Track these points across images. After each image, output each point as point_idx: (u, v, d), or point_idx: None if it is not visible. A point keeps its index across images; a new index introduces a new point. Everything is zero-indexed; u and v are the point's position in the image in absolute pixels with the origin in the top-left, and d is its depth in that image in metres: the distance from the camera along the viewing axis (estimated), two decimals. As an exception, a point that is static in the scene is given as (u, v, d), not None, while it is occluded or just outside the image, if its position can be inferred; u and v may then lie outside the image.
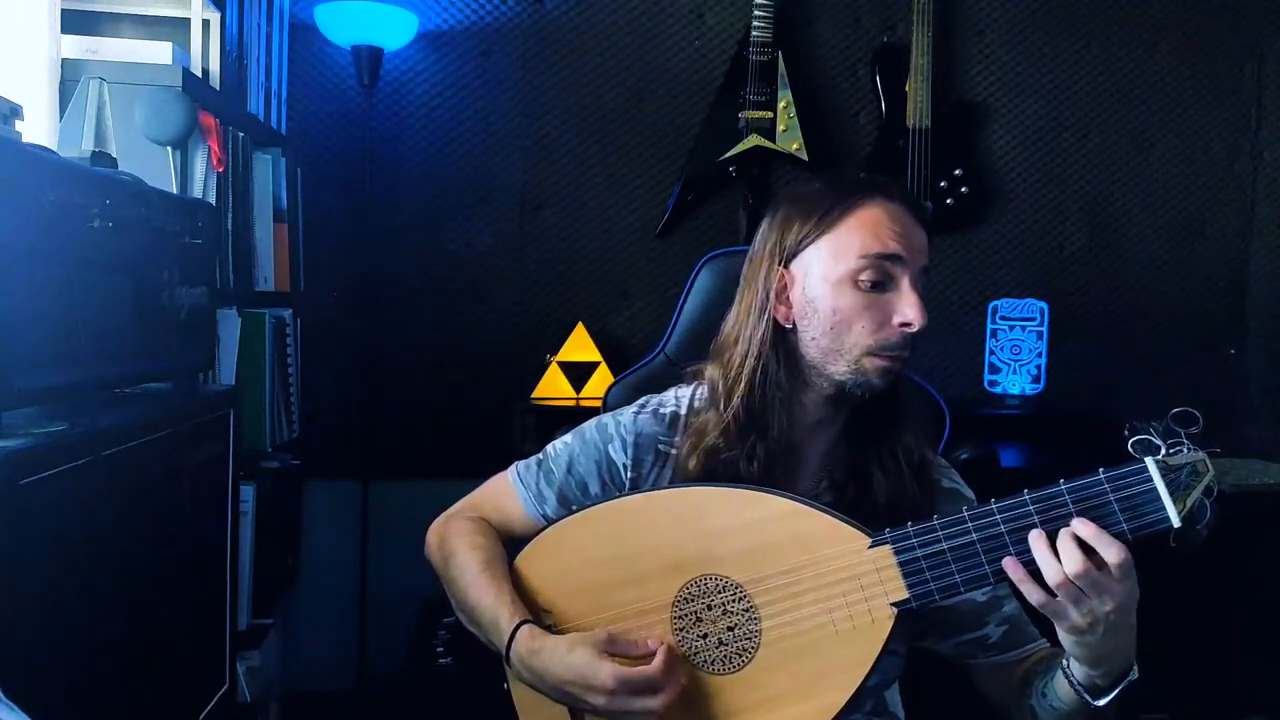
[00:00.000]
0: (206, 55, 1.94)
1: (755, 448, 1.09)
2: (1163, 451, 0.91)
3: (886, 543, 0.98)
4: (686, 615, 1.04)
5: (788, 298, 1.11)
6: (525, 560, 1.15)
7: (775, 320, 1.11)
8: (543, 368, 2.61)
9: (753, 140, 2.68)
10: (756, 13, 2.66)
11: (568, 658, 1.00)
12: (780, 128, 2.70)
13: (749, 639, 1.02)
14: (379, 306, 2.64)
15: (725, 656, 1.03)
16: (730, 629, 1.03)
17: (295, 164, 2.37)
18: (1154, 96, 2.93)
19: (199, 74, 1.88)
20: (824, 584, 0.99)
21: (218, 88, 1.95)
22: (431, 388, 2.70)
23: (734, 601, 1.03)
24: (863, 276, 1.07)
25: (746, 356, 1.12)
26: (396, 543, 2.51)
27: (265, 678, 2.00)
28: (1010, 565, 0.93)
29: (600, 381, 2.57)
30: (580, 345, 2.63)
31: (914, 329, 1.06)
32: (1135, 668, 0.97)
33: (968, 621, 1.13)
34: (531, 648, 1.03)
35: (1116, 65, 2.92)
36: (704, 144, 2.72)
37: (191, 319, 1.35)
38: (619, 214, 2.77)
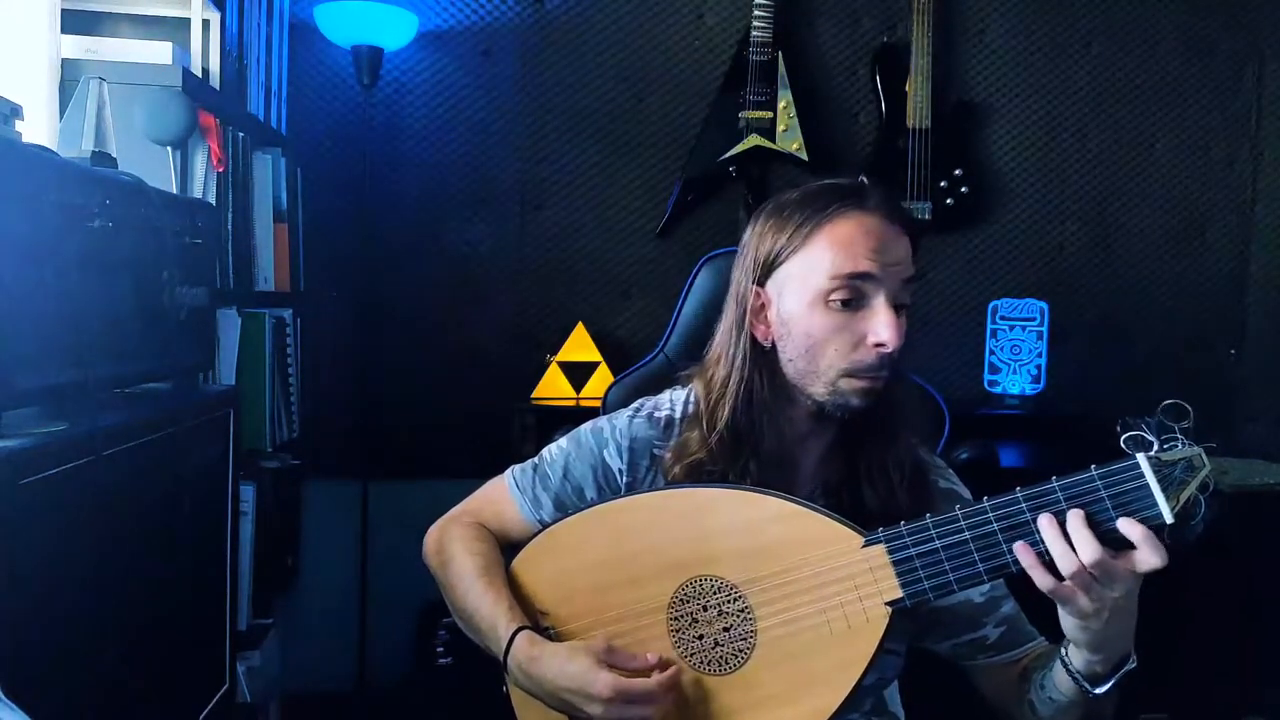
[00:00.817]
0: (206, 55, 1.95)
1: (748, 464, 1.09)
2: (1155, 447, 0.90)
3: (880, 542, 0.98)
4: (682, 616, 1.04)
5: (765, 317, 1.10)
6: (522, 564, 1.15)
7: (755, 340, 1.10)
8: (543, 368, 2.61)
9: (753, 140, 2.69)
10: (756, 13, 2.66)
11: (566, 666, 1.00)
12: (780, 128, 2.70)
13: (744, 639, 1.02)
14: (379, 306, 2.64)
15: (721, 657, 1.03)
16: (726, 630, 1.03)
17: (295, 164, 2.37)
18: (1154, 96, 2.93)
19: (199, 74, 1.88)
20: (819, 584, 0.99)
21: (218, 88, 1.95)
22: (431, 388, 2.70)
23: (729, 602, 1.03)
24: (833, 296, 1.04)
25: (729, 377, 1.11)
26: (396, 543, 2.50)
27: (265, 678, 2.00)
28: (1021, 550, 0.91)
29: (600, 381, 2.57)
30: (580, 345, 2.63)
31: (888, 350, 1.03)
32: (1133, 657, 0.97)
33: (966, 622, 1.13)
34: (530, 654, 1.03)
35: (1117, 65, 2.92)
36: (704, 144, 2.72)
37: (191, 319, 1.35)
38: (619, 214, 2.77)
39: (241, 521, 1.71)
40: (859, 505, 1.07)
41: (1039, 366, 2.76)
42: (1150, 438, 0.91)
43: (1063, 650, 0.99)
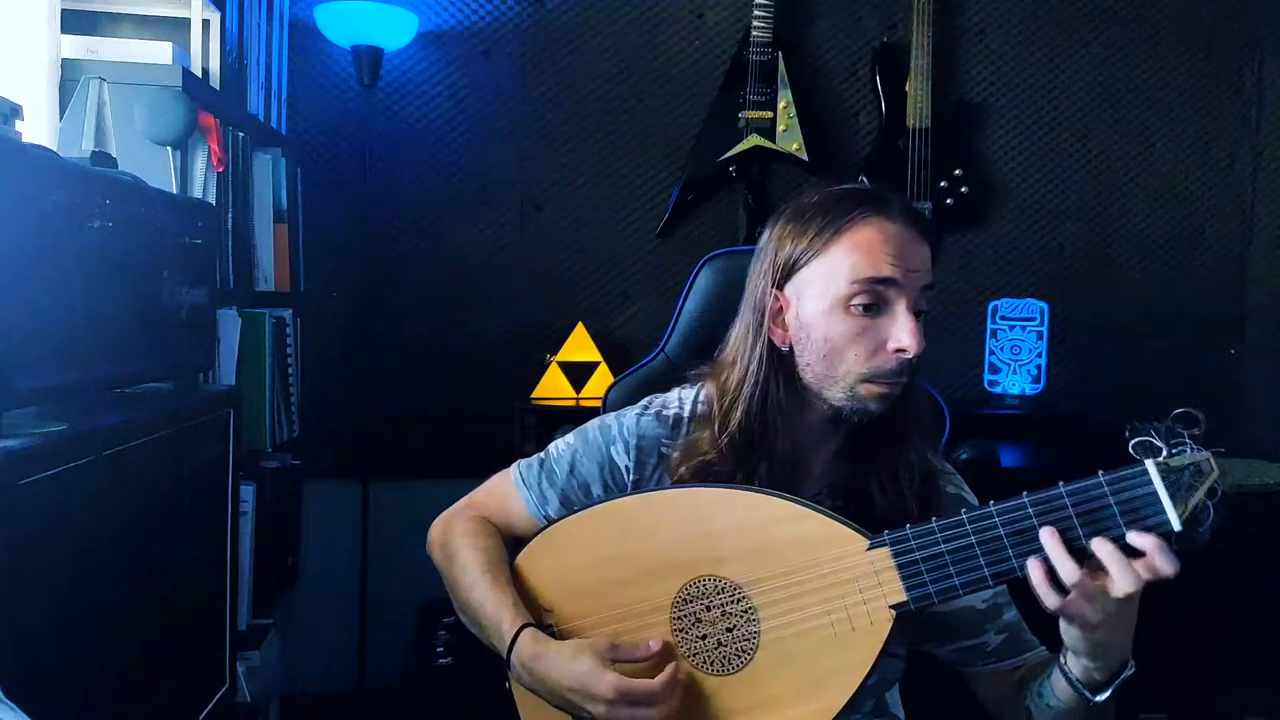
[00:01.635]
0: (206, 55, 1.94)
1: (758, 467, 1.08)
2: (1164, 453, 0.90)
3: (885, 545, 0.98)
4: (686, 616, 1.04)
5: (783, 320, 1.10)
6: (527, 559, 1.15)
7: (772, 343, 1.10)
8: (543, 368, 2.61)
9: (753, 140, 2.69)
10: (756, 13, 2.66)
11: (569, 665, 1.00)
12: (780, 128, 2.70)
13: (748, 640, 1.02)
14: (379, 306, 2.64)
15: (724, 658, 1.03)
16: (729, 630, 1.03)
17: (295, 164, 2.37)
18: (1154, 97, 2.93)
19: (199, 74, 1.88)
20: (822, 586, 0.99)
21: (218, 88, 1.95)
22: (431, 388, 2.70)
23: (733, 603, 1.03)
24: (855, 301, 1.04)
25: (744, 380, 1.10)
26: (396, 543, 2.51)
27: (265, 678, 2.00)
28: (1032, 565, 0.90)
29: (600, 381, 2.57)
30: (580, 345, 2.63)
31: (908, 355, 1.03)
32: (1131, 663, 0.97)
33: (967, 628, 1.13)
34: (534, 652, 1.03)
35: (1117, 65, 2.92)
36: (704, 144, 2.72)
37: (191, 319, 1.35)
38: (619, 214, 2.77)
39: (241, 521, 1.71)
40: (867, 508, 1.07)
41: (1039, 366, 2.76)
42: (1159, 443, 0.90)
43: (1061, 659, 0.99)
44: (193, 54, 1.88)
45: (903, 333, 1.03)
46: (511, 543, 1.19)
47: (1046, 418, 2.73)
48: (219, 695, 1.47)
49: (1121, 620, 0.91)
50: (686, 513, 1.06)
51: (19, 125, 1.08)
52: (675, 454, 1.13)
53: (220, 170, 1.83)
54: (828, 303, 1.05)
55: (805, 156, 2.70)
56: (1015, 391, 2.76)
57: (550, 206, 2.75)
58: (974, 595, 1.01)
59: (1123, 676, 0.96)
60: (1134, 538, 0.88)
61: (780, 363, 1.10)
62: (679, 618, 1.04)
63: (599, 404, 1.52)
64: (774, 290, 1.10)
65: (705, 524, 1.05)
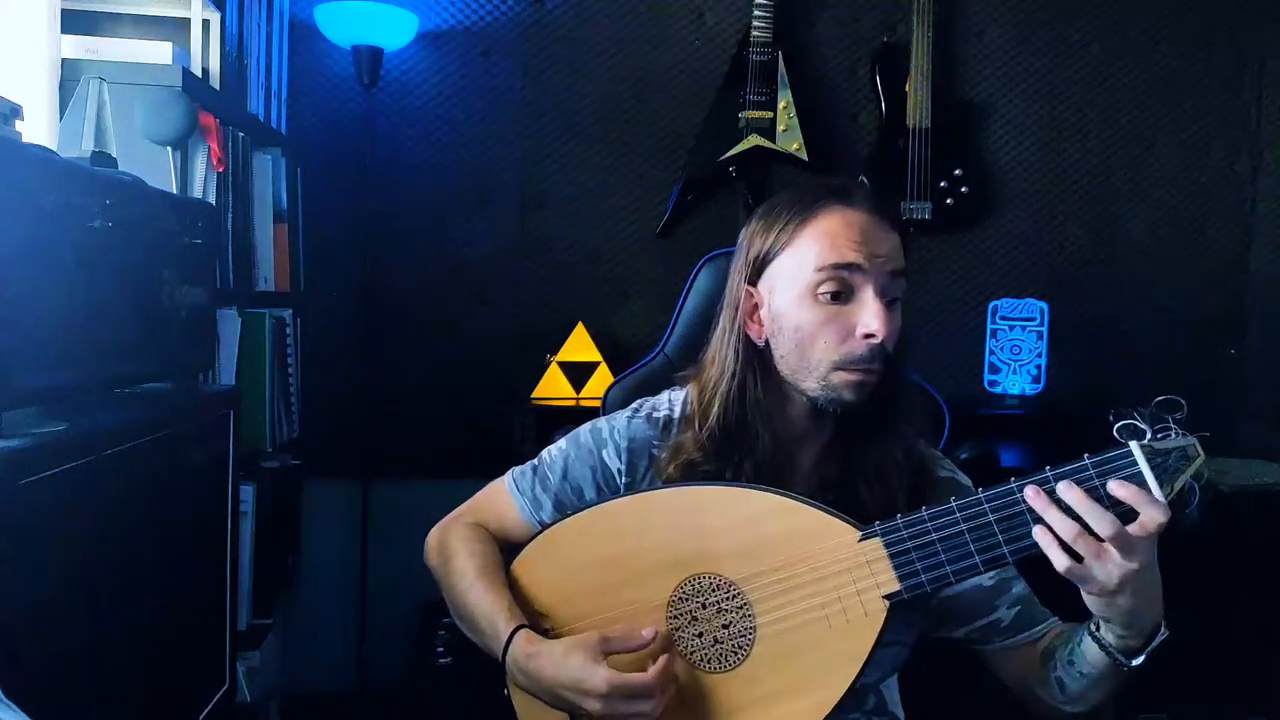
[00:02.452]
0: (206, 55, 1.95)
1: (743, 463, 1.09)
2: (1148, 436, 0.91)
3: (876, 535, 0.99)
4: (682, 614, 1.04)
5: (758, 316, 1.11)
6: (522, 565, 1.15)
7: (749, 338, 1.11)
8: (543, 368, 2.61)
9: (753, 140, 2.69)
10: (756, 13, 2.66)
11: (564, 662, 1.01)
12: (780, 128, 2.70)
13: (744, 636, 1.02)
14: (379, 306, 2.64)
15: (721, 654, 1.03)
16: (725, 626, 1.03)
17: (295, 164, 2.37)
18: (1154, 96, 2.93)
19: (199, 74, 1.88)
20: (816, 579, 1.00)
21: (218, 88, 1.95)
22: (431, 388, 2.70)
23: (728, 599, 1.03)
24: (821, 289, 1.05)
25: (721, 376, 1.12)
26: (396, 543, 2.51)
27: (265, 678, 2.00)
28: (1039, 531, 0.91)
29: (600, 381, 2.57)
30: (580, 345, 2.63)
31: (877, 340, 1.04)
32: (1164, 626, 0.97)
33: (978, 607, 1.13)
34: (528, 652, 1.03)
35: (1117, 65, 2.91)
36: (704, 144, 2.72)
37: (191, 319, 1.35)
38: (619, 214, 2.77)
39: (241, 521, 1.71)
40: (857, 504, 1.07)
41: (1039, 366, 2.76)
42: (1143, 426, 0.91)
43: (1092, 626, 0.99)
44: (193, 54, 1.88)
45: (870, 317, 1.04)
46: (507, 549, 1.19)
47: (1046, 418, 2.72)
48: (219, 695, 1.47)
49: (1143, 586, 0.91)
50: (679, 511, 1.06)
51: (19, 125, 1.09)
52: (663, 455, 1.14)
53: (220, 170, 1.83)
54: (796, 292, 1.07)
55: (805, 156, 2.70)
56: (1015, 391, 2.76)
57: (550, 206, 2.75)
58: (971, 578, 1.01)
59: (1156, 640, 0.96)
60: (1113, 487, 0.89)
61: (757, 358, 1.11)
62: (675, 616, 1.05)
63: (599, 404, 1.53)
64: (747, 286, 1.11)
65: (698, 522, 1.05)
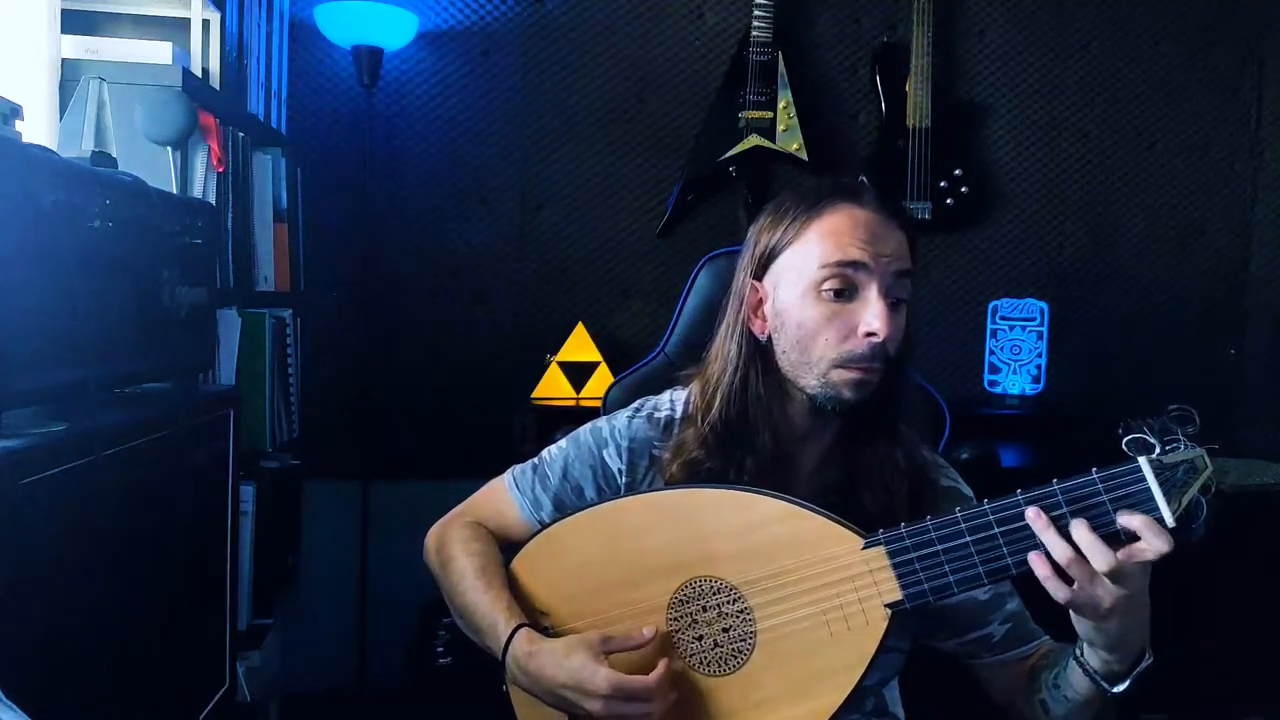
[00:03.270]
0: (206, 55, 1.94)
1: (744, 461, 1.09)
2: (1157, 450, 0.90)
3: (880, 543, 0.98)
4: (682, 617, 1.04)
5: (762, 311, 1.11)
6: (522, 563, 1.15)
7: (752, 333, 1.11)
8: (543, 368, 2.61)
9: (753, 140, 2.69)
10: (756, 12, 2.66)
11: (564, 662, 1.00)
12: (780, 128, 2.70)
13: (744, 640, 1.02)
14: (379, 306, 2.64)
15: (720, 658, 1.03)
16: (725, 630, 1.03)
17: (295, 164, 2.37)
18: (1154, 96, 2.93)
19: (199, 74, 1.88)
20: (818, 585, 1.00)
21: (218, 88, 1.95)
22: (431, 388, 2.70)
23: (729, 603, 1.03)
24: (825, 286, 1.05)
25: (724, 371, 1.12)
26: (396, 543, 2.51)
27: (265, 678, 2.00)
28: (1036, 560, 0.90)
29: (600, 381, 2.57)
30: (580, 345, 2.63)
31: (879, 339, 1.03)
32: (1149, 653, 0.96)
33: (970, 620, 1.13)
34: (528, 651, 1.03)
35: (1117, 65, 2.92)
36: (704, 144, 2.72)
37: (191, 319, 1.35)
38: (619, 214, 2.77)
39: (241, 521, 1.71)
40: (858, 509, 1.06)
41: (1039, 366, 2.76)
42: (1152, 440, 0.90)
43: (1077, 651, 0.99)
44: (193, 54, 1.88)
45: (872, 316, 1.03)
46: (507, 548, 1.19)
47: (1046, 418, 2.72)
48: (219, 695, 1.47)
49: (1132, 611, 0.91)
50: (680, 513, 1.06)
51: (19, 125, 1.08)
52: (666, 455, 1.14)
53: (220, 170, 1.83)
54: (800, 289, 1.06)
55: (805, 156, 2.70)
56: (1015, 391, 2.76)
57: (550, 206, 2.75)
58: (972, 591, 1.01)
59: (1141, 667, 0.96)
60: (1123, 518, 0.89)
61: (759, 353, 1.11)
62: (675, 619, 1.04)
63: (599, 404, 1.52)
64: (752, 281, 1.11)
65: (699, 524, 1.05)
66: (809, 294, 1.06)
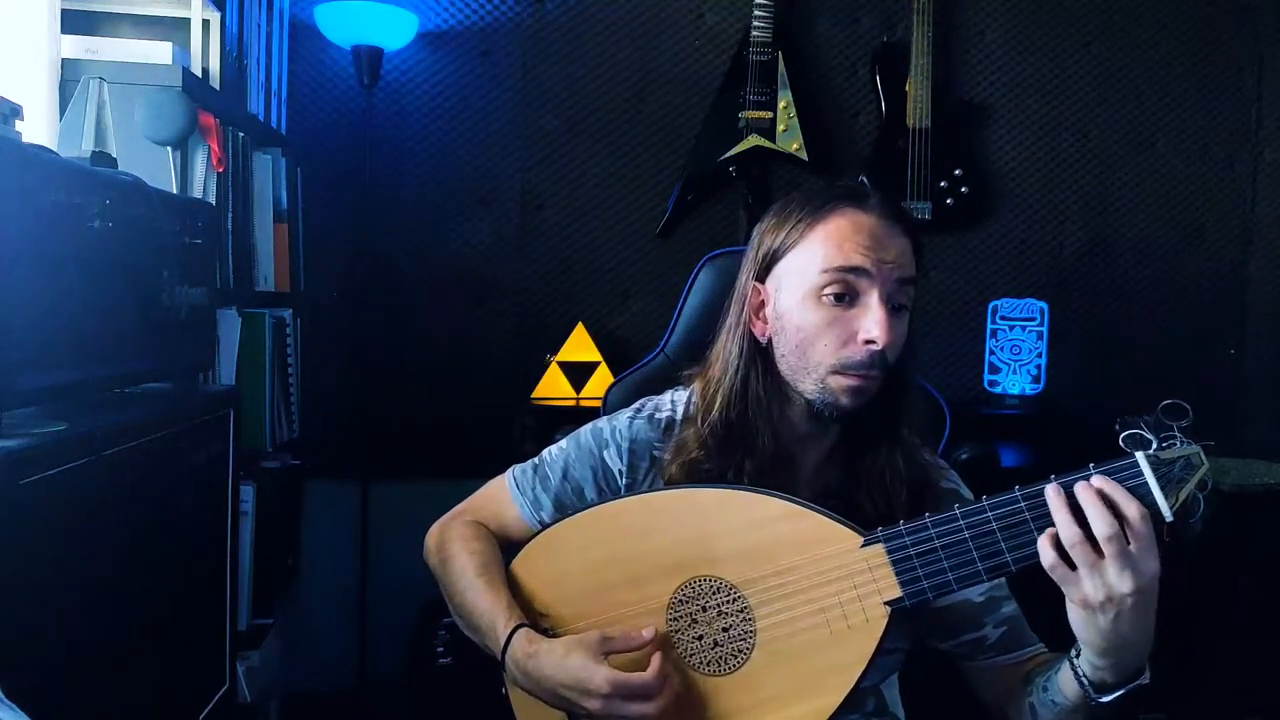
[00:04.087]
0: (206, 55, 1.94)
1: (744, 462, 1.08)
2: (1154, 445, 0.90)
3: (879, 541, 0.98)
4: (682, 617, 1.04)
5: (763, 313, 1.11)
6: (522, 564, 1.15)
7: (753, 336, 1.11)
8: (543, 368, 2.61)
9: (753, 140, 2.69)
10: (756, 13, 2.66)
11: (564, 661, 1.00)
12: (780, 128, 2.70)
13: (744, 640, 1.02)
14: (379, 306, 2.64)
15: (720, 658, 1.03)
16: (725, 630, 1.03)
17: (295, 164, 2.37)
18: (1154, 96, 2.93)
19: (199, 74, 1.88)
20: (818, 584, 0.99)
21: (218, 88, 1.95)
22: (431, 388, 2.70)
23: (729, 603, 1.03)
24: (826, 291, 1.04)
25: (725, 372, 1.12)
26: (396, 543, 2.51)
27: (265, 678, 2.00)
28: (1044, 542, 0.90)
29: (600, 381, 2.57)
30: (580, 345, 2.63)
31: (878, 347, 1.02)
32: (1148, 672, 0.95)
33: (965, 622, 1.12)
34: (528, 651, 1.03)
35: (1117, 65, 2.92)
36: (704, 144, 2.72)
37: (191, 319, 1.35)
38: (619, 214, 2.77)
39: (241, 521, 1.71)
40: (857, 513, 1.06)
41: (1039, 366, 2.76)
42: (1149, 436, 0.91)
43: (1071, 653, 0.98)
44: (193, 54, 1.88)
45: (872, 323, 1.02)
46: (507, 548, 1.19)
47: (1046, 418, 2.72)
48: (219, 695, 1.47)
49: (1132, 617, 0.89)
50: (680, 514, 1.06)
51: (19, 125, 1.09)
52: (666, 455, 1.14)
53: (220, 170, 1.83)
54: (801, 293, 1.06)
55: (805, 156, 2.70)
56: (1015, 391, 2.76)
57: (550, 206, 2.75)
58: (970, 589, 1.01)
59: (1134, 684, 0.95)
60: (1095, 480, 0.89)
61: (760, 355, 1.11)
62: (675, 619, 1.04)
63: (599, 404, 1.52)
64: (754, 283, 1.11)
65: (699, 524, 1.05)
66: (809, 298, 1.05)
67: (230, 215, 1.92)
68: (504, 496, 1.22)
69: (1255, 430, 2.89)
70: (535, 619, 1.10)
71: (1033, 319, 2.77)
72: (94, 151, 1.28)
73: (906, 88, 2.75)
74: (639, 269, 2.78)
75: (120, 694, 1.14)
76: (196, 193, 1.77)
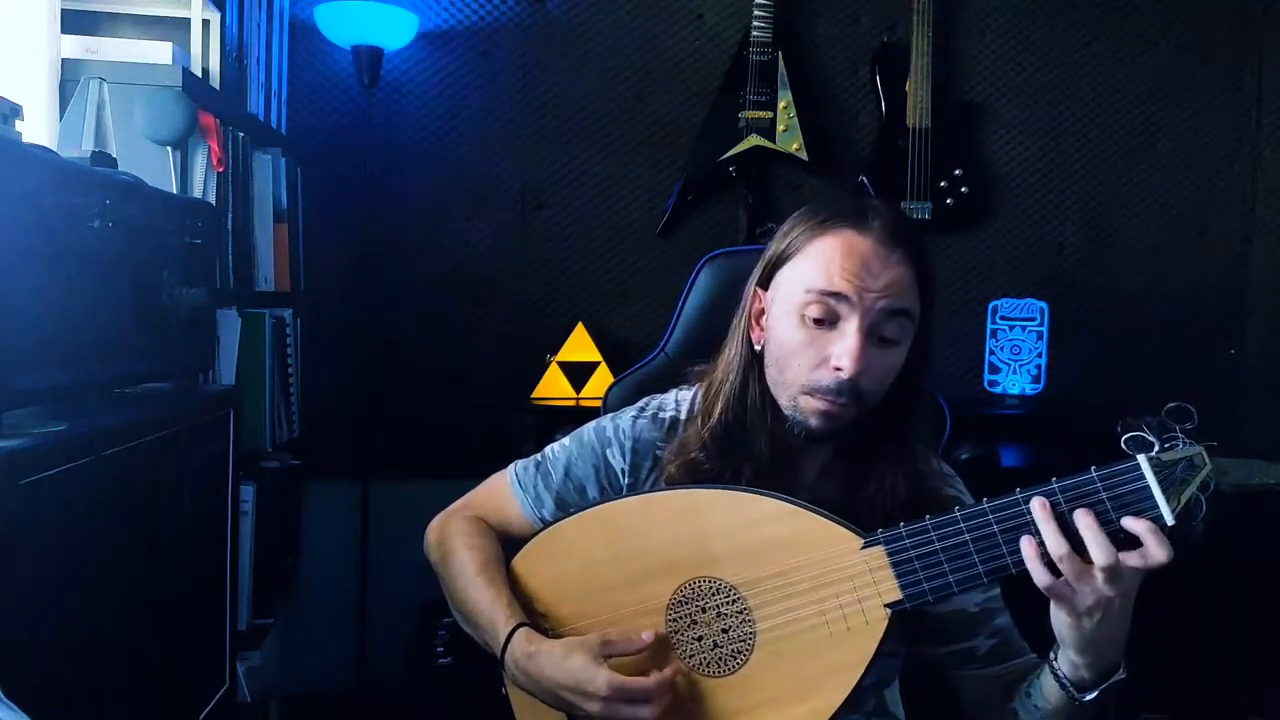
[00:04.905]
0: (206, 55, 1.94)
1: (742, 466, 1.08)
2: (1156, 448, 0.90)
3: (879, 543, 0.98)
4: (682, 618, 1.04)
5: (762, 320, 1.11)
6: (522, 562, 1.15)
7: (750, 341, 1.11)
8: (543, 368, 2.61)
9: (753, 140, 2.69)
10: (756, 13, 2.66)
11: (564, 663, 1.00)
12: (780, 128, 2.70)
13: (743, 641, 1.02)
14: (379, 306, 2.64)
15: (720, 659, 1.03)
16: (725, 631, 1.03)
17: (295, 164, 2.37)
18: (1154, 97, 2.93)
19: (199, 74, 1.88)
20: (818, 585, 0.99)
21: (218, 88, 1.95)
22: (431, 388, 2.70)
23: (728, 604, 1.03)
24: (807, 312, 1.03)
25: (726, 376, 1.12)
26: (396, 543, 2.51)
27: (265, 678, 2.00)
28: (1026, 543, 0.90)
29: (600, 381, 2.57)
30: (580, 345, 2.63)
31: (844, 376, 1.01)
32: (1123, 668, 0.96)
33: (958, 631, 1.12)
34: (527, 651, 1.03)
35: (1116, 65, 2.92)
36: (704, 144, 2.72)
37: (191, 319, 1.35)
38: (619, 214, 2.77)
39: (241, 521, 1.71)
40: (855, 523, 1.06)
41: (1039, 366, 2.76)
42: (1151, 438, 0.91)
43: (1051, 655, 0.99)
44: (193, 54, 1.88)
45: (842, 351, 1.01)
46: (507, 543, 1.19)
47: (1046, 418, 2.72)
48: (219, 695, 1.47)
49: (1113, 616, 0.90)
50: (681, 514, 1.06)
51: (19, 125, 1.08)
52: (668, 455, 1.14)
53: (220, 170, 1.83)
54: (787, 308, 1.06)
55: (805, 156, 2.70)
56: (1015, 391, 2.76)
57: (550, 206, 2.75)
58: (967, 597, 1.01)
59: (1112, 680, 0.96)
60: (1127, 522, 0.89)
61: (756, 361, 1.11)
62: (675, 619, 1.04)
63: (599, 404, 1.52)
64: (756, 288, 1.11)
65: (700, 525, 1.05)
66: (792, 315, 1.05)
67: (230, 215, 1.92)
68: (505, 492, 1.22)
69: (1255, 430, 2.89)
70: (535, 618, 1.10)
71: (1033, 319, 2.77)
72: (94, 151, 1.28)
73: (906, 88, 2.75)
74: (639, 269, 2.78)
75: (120, 694, 1.14)
76: (196, 193, 1.77)
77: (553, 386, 2.60)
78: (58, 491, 0.98)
